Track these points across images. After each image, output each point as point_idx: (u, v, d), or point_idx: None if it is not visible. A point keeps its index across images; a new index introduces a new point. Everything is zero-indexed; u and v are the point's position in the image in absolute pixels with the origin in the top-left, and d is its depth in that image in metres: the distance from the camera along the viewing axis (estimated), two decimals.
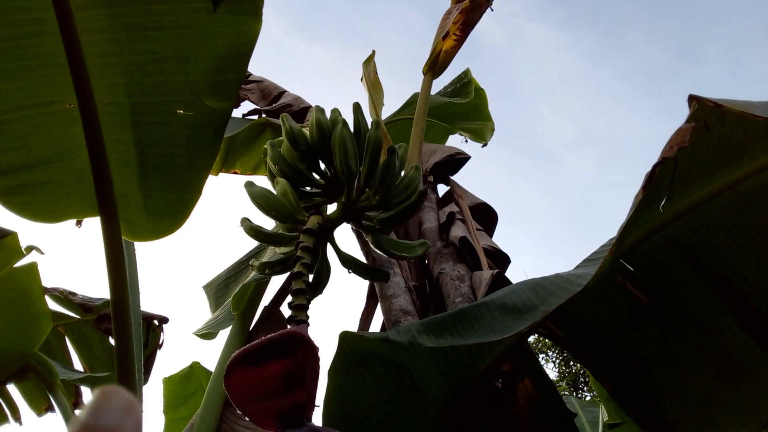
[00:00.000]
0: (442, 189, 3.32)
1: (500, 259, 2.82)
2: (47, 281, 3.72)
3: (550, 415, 2.00)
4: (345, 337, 1.81)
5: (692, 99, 1.54)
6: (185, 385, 4.52)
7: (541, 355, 18.52)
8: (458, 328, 1.72)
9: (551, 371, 18.00)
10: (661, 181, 1.80)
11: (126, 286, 1.86)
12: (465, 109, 4.70)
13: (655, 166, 1.53)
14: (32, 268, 2.50)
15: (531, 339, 17.83)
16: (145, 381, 3.81)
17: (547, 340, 19.11)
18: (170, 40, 1.81)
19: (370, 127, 2.25)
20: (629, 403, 2.05)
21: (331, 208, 2.26)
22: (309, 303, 2.01)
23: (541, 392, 2.00)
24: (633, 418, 2.05)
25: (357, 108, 2.30)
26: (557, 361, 18.31)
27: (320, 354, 1.56)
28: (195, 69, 1.84)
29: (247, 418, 1.58)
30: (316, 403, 1.94)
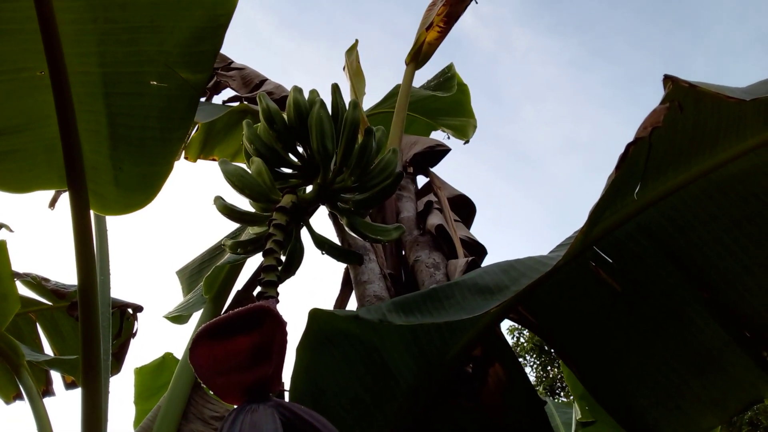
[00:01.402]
0: (422, 181, 3.31)
1: (477, 250, 2.81)
2: (20, 267, 3.67)
3: (520, 401, 1.99)
4: (314, 315, 1.79)
5: (667, 79, 1.54)
6: (157, 375, 4.46)
7: (519, 359, 18.57)
8: (429, 307, 1.71)
9: (529, 375, 18.04)
10: (635, 166, 1.80)
11: (93, 260, 1.82)
12: (448, 104, 4.70)
13: (628, 146, 1.53)
14: (1, 246, 2.45)
15: (510, 341, 17.90)
16: (118, 370, 3.76)
17: (526, 345, 19.22)
18: (146, 8, 1.79)
19: (347, 108, 2.23)
20: (599, 391, 2.05)
21: (308, 191, 2.24)
22: (279, 280, 1.99)
23: (511, 378, 2.00)
24: (602, 405, 2.05)
25: (335, 89, 2.29)
26: (535, 365, 18.40)
27: (288, 330, 1.54)
28: (170, 39, 1.82)
29: (212, 393, 1.56)
30: (283, 380, 1.92)
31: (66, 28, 1.75)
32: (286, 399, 1.93)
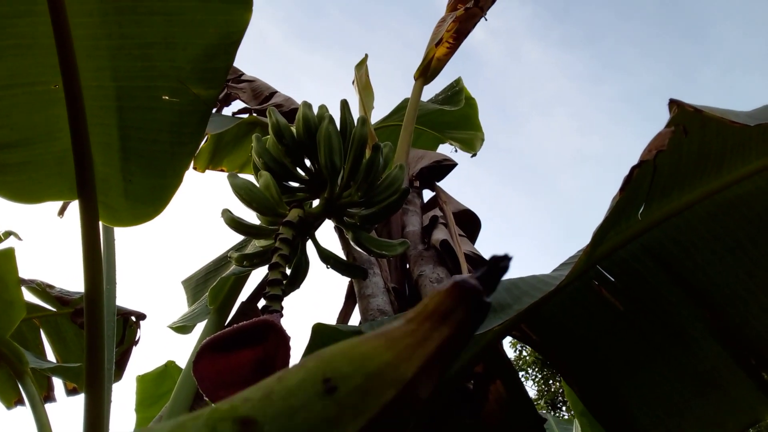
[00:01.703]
0: (428, 195, 3.33)
1: (481, 266, 2.82)
2: (27, 273, 3.69)
3: (520, 418, 2.00)
4: (318, 330, 1.80)
5: (673, 103, 1.56)
6: (159, 383, 4.47)
7: (521, 372, 18.52)
8: None
9: (530, 389, 18.00)
10: (640, 187, 1.81)
11: (101, 270, 1.84)
12: (455, 118, 4.72)
13: (633, 169, 1.55)
14: (9, 253, 2.48)
15: (512, 356, 17.86)
16: (119, 377, 3.77)
17: (528, 358, 19.16)
18: (160, 25, 1.82)
19: (356, 124, 2.25)
20: (600, 409, 2.06)
21: (315, 204, 2.26)
22: (284, 294, 2.00)
23: (512, 395, 2.01)
24: (602, 424, 2.06)
25: (344, 105, 2.31)
26: (537, 378, 18.34)
27: (292, 344, 1.56)
28: (183, 56, 1.85)
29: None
30: None
31: (81, 43, 1.78)
32: None
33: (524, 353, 18.89)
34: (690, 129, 1.70)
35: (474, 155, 4.93)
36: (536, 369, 18.52)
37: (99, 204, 1.91)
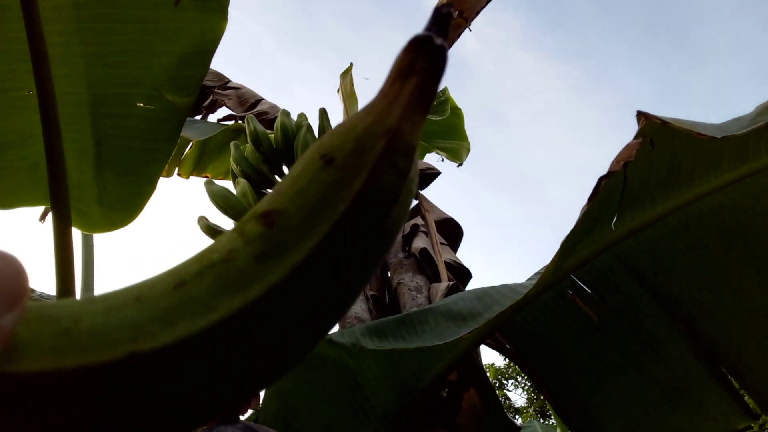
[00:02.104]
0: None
1: (461, 274, 2.83)
2: None
3: (494, 425, 2.00)
4: None
5: (640, 115, 1.57)
6: None
7: (510, 381, 18.51)
8: (402, 332, 1.72)
9: (520, 397, 17.97)
10: (611, 197, 1.82)
11: (73, 276, 1.83)
12: (442, 127, 4.74)
13: (600, 179, 1.56)
14: None
15: (502, 364, 17.80)
16: None
17: (518, 367, 18.96)
18: (135, 33, 1.82)
19: None
20: (572, 418, 2.06)
21: None
22: None
23: (485, 402, 2.01)
24: None
25: (323, 113, 2.32)
26: (527, 387, 18.29)
27: None
28: (158, 63, 1.84)
29: None
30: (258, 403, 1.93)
31: (56, 50, 1.78)
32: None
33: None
34: (658, 141, 1.71)
35: (460, 165, 4.95)
36: (525, 378, 18.48)
37: (73, 210, 1.90)
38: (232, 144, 2.25)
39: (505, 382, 18.74)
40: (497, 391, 17.41)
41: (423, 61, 0.39)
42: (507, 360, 18.91)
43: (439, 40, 0.39)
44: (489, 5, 3.60)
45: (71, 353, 0.29)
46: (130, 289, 0.32)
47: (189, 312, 0.31)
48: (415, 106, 0.39)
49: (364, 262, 0.37)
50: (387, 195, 0.37)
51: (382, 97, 0.40)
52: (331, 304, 0.36)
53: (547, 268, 1.64)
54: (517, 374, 18.29)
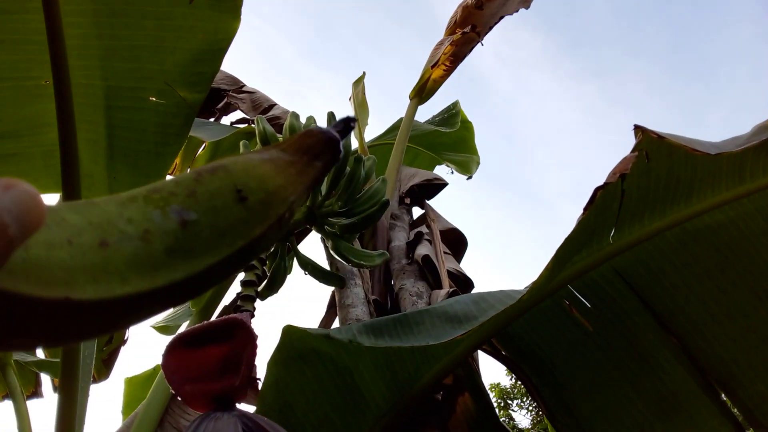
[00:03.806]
0: (418, 212, 3.38)
1: (464, 283, 2.86)
2: None
3: (486, 430, 2.02)
4: (288, 331, 1.83)
5: (638, 129, 1.60)
6: (146, 387, 4.43)
7: (515, 401, 18.41)
8: (398, 330, 1.75)
9: (524, 417, 17.86)
10: (609, 209, 1.85)
11: None
12: (452, 140, 4.78)
13: (596, 190, 1.59)
14: None
15: (507, 384, 17.70)
16: (106, 376, 3.80)
17: (522, 387, 18.92)
18: (150, 29, 1.87)
19: None
20: (565, 428, 2.08)
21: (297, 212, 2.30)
22: (262, 297, 2.04)
23: (479, 408, 2.03)
24: None
25: (331, 117, 2.36)
26: (531, 408, 18.19)
27: (259, 343, 1.59)
28: (171, 59, 1.90)
29: (180, 399, 1.60)
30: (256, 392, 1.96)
31: (73, 42, 1.84)
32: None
33: (519, 382, 18.60)
34: (656, 156, 1.74)
35: (470, 177, 4.98)
36: (530, 398, 18.37)
37: (83, 199, 1.96)
38: (241, 143, 2.30)
39: (510, 402, 18.64)
40: (502, 411, 17.33)
41: (329, 155, 0.51)
42: (513, 380, 18.86)
43: (340, 144, 0.52)
44: (508, 24, 3.65)
45: (18, 279, 0.34)
46: (68, 223, 0.38)
47: (108, 276, 0.37)
48: (310, 187, 0.50)
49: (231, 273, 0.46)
50: (269, 241, 0.47)
51: (291, 163, 0.49)
52: (196, 293, 0.45)
53: (541, 275, 1.66)
54: (522, 395, 18.19)
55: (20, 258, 0.33)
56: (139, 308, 0.40)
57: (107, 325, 0.39)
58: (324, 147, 0.50)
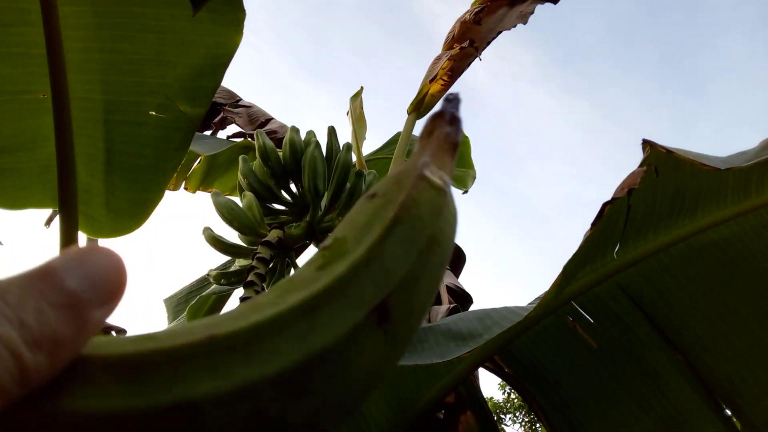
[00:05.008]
0: None
1: (463, 299, 2.84)
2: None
3: None
4: None
5: (646, 143, 1.59)
6: None
7: (508, 416, 18.35)
8: None
9: None
10: (614, 225, 1.83)
11: None
12: None
13: (604, 205, 1.57)
14: None
15: (500, 398, 17.67)
16: None
17: (515, 401, 18.96)
18: (152, 43, 1.85)
19: (341, 150, 2.28)
20: None
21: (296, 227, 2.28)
22: None
23: (481, 427, 2.00)
24: None
25: (331, 131, 2.35)
26: (524, 423, 18.15)
27: None
28: (172, 73, 1.88)
29: None
30: None
31: (73, 55, 1.81)
32: None
33: (512, 396, 18.72)
34: (663, 170, 1.73)
35: (465, 192, 4.98)
36: (523, 412, 18.34)
37: (80, 214, 1.93)
38: (240, 157, 2.28)
39: (503, 416, 18.61)
40: None
41: (441, 122, 0.49)
42: (505, 394, 18.82)
43: (453, 110, 0.50)
44: (501, 39, 3.64)
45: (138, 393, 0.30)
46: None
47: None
48: (440, 149, 0.47)
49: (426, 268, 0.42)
50: (428, 205, 0.43)
51: (414, 156, 0.48)
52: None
53: (549, 291, 1.64)
54: (515, 409, 18.14)
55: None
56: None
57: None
58: (434, 121, 0.50)
